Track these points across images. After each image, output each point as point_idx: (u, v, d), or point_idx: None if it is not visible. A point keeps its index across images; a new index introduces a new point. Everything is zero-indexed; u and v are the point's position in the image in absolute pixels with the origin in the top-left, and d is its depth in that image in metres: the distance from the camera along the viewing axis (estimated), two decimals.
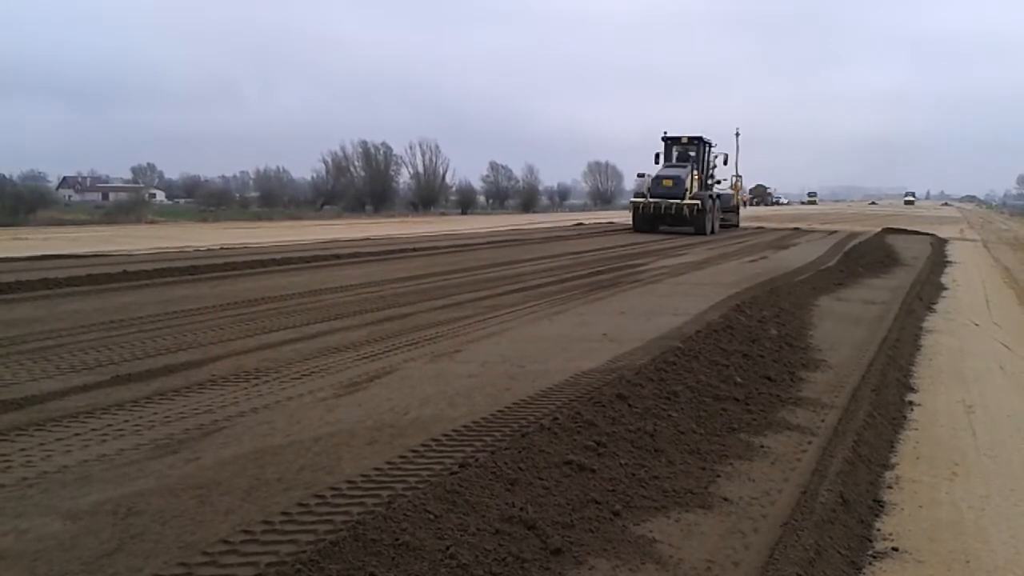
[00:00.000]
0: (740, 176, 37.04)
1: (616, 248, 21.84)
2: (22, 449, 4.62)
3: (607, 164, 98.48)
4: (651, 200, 29.56)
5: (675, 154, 32.29)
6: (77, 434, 4.90)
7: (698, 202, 28.99)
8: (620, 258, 18.96)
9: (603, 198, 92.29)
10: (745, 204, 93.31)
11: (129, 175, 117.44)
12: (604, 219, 44.32)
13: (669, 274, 15.54)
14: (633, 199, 31.38)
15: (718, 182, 34.09)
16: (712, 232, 30.16)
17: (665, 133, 32.25)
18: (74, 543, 3.46)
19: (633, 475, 4.48)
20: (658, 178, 30.11)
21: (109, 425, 5.08)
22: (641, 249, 22.07)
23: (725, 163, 33.36)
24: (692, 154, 31.69)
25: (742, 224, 36.59)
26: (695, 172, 30.35)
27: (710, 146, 32.61)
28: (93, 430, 4.98)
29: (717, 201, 31.63)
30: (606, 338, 8.42)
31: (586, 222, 38.51)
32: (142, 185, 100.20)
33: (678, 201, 29.00)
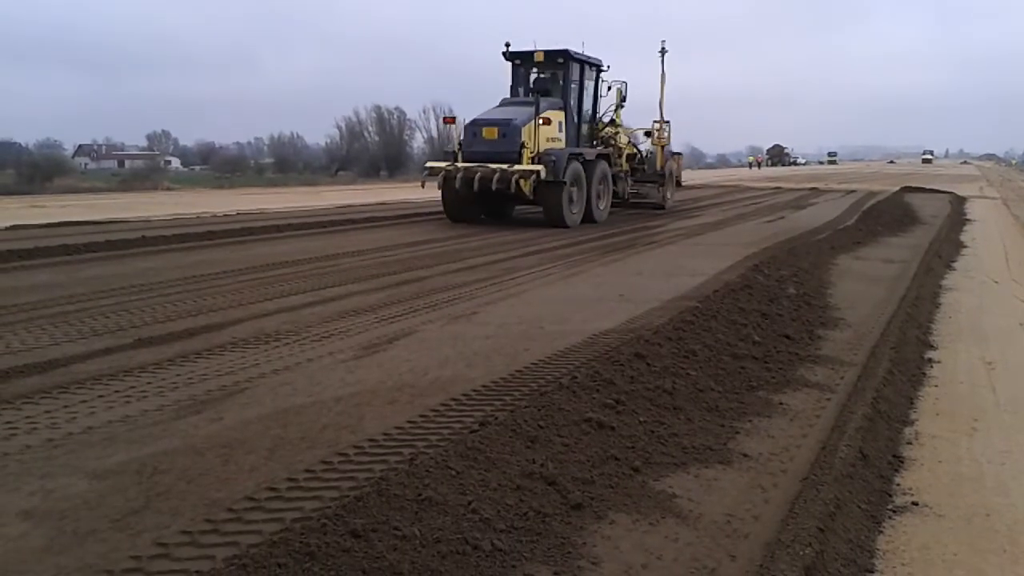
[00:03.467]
0: (667, 122, 21.80)
1: (629, 209, 21.70)
2: (47, 411, 4.67)
3: None
4: (461, 165, 16.49)
5: (529, 83, 18.49)
6: (101, 396, 4.95)
7: (540, 168, 15.71)
8: (635, 218, 18.89)
9: None
10: (759, 165, 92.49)
11: (144, 142, 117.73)
12: None
13: (685, 235, 15.48)
14: (431, 163, 17.81)
15: (649, 134, 22.05)
16: (594, 219, 17.72)
17: (507, 47, 18.18)
18: (101, 502, 3.51)
19: (652, 432, 4.50)
20: (474, 126, 16.90)
21: (132, 387, 5.14)
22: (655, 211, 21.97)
23: (623, 102, 19.99)
24: (560, 84, 18.21)
25: (679, 197, 24.59)
26: (541, 117, 16.36)
27: (595, 69, 19.18)
28: (117, 392, 5.04)
29: (603, 165, 18.32)
30: (623, 299, 8.42)
31: None
32: (157, 152, 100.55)
33: (505, 167, 15.75)
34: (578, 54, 18.17)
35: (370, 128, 67.39)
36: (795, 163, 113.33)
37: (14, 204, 21.21)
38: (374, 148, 66.06)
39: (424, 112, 69.56)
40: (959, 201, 27.84)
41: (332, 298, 8.26)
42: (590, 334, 6.73)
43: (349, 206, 22.06)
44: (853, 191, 33.92)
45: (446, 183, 16.67)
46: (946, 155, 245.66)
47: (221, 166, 68.17)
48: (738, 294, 8.16)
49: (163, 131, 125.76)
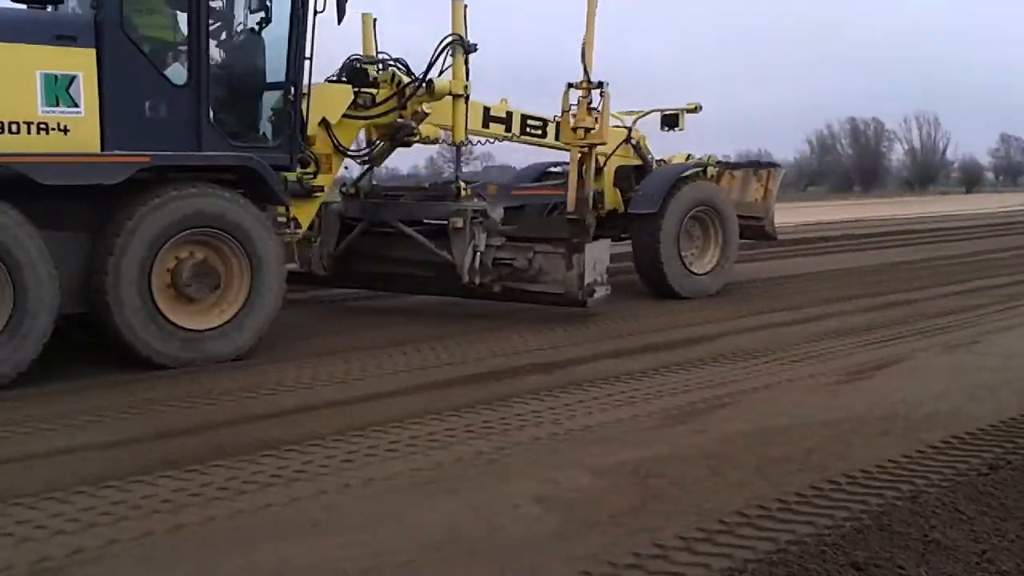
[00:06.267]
0: (600, 85, 8.17)
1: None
2: (550, 407, 5.15)
3: None
4: None
5: None
6: (595, 398, 5.35)
7: None
8: None
9: None
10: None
11: None
12: None
13: None
14: None
15: (671, 121, 9.82)
16: (150, 359, 5.79)
17: None
18: (601, 496, 3.76)
19: None
20: None
21: (622, 392, 5.47)
22: None
23: (467, 48, 7.96)
24: None
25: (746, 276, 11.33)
26: None
27: None
28: (609, 395, 5.40)
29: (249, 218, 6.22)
30: None
31: None
32: None
33: None
34: None
35: (843, 141, 65.33)
36: None
37: None
38: (847, 161, 63.90)
39: (905, 122, 65.39)
40: None
41: (810, 318, 8.07)
42: None
43: (819, 223, 21.31)
44: None
45: None
46: None
47: None
48: None
49: None
